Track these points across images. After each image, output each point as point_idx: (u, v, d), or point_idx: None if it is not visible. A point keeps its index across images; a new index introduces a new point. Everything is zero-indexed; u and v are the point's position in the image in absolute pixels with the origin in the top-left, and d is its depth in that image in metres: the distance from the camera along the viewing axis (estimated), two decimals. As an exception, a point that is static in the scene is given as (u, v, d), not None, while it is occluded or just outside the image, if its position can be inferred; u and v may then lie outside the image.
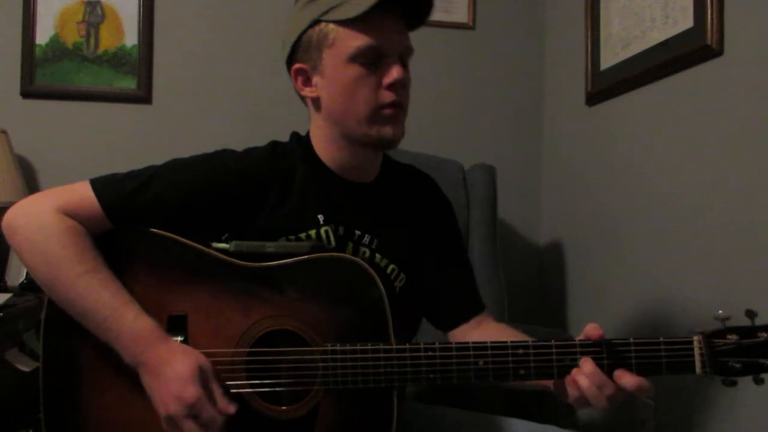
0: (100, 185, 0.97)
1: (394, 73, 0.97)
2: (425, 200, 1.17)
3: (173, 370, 0.87)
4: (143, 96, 2.14)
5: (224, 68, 2.19)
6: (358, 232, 1.06)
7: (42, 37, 2.09)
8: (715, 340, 0.81)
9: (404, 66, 1.00)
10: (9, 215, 0.94)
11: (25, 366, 1.17)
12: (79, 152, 2.08)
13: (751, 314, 0.81)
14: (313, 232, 1.03)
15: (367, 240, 1.07)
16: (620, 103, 1.84)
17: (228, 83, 2.18)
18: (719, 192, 1.42)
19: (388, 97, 0.98)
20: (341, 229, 1.05)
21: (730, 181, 1.39)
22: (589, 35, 1.98)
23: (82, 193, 0.96)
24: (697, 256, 1.49)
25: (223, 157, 1.03)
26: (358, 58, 0.96)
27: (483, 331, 1.11)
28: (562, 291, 2.16)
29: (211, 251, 0.97)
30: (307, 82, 1.03)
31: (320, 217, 1.03)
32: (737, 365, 0.80)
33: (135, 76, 2.13)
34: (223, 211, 1.00)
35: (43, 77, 2.09)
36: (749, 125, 1.34)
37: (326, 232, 1.03)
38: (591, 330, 0.87)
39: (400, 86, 0.98)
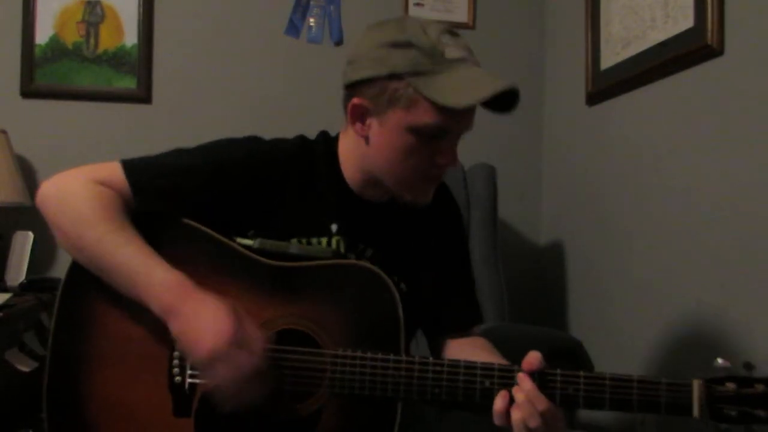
0: (129, 163, 1.00)
1: (450, 156, 0.97)
2: (435, 212, 1.14)
3: (210, 309, 0.88)
4: (143, 96, 2.13)
5: (224, 68, 2.18)
6: (361, 245, 1.07)
7: (42, 37, 2.09)
8: (714, 386, 0.83)
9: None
10: (43, 187, 0.98)
11: (25, 366, 1.17)
12: (78, 152, 2.06)
13: (748, 366, 0.83)
14: (324, 240, 1.03)
15: (369, 254, 1.07)
16: (620, 103, 1.84)
17: (228, 83, 2.18)
18: (719, 191, 1.42)
19: (435, 173, 1.00)
20: (347, 241, 1.05)
21: (730, 181, 1.39)
22: (589, 35, 1.98)
23: (111, 168, 1.00)
24: (697, 255, 1.48)
25: (250, 143, 1.06)
26: (421, 130, 0.94)
27: (478, 350, 1.08)
28: (562, 291, 2.16)
29: (235, 245, 0.98)
30: (361, 118, 0.99)
31: (333, 227, 1.04)
32: (733, 413, 0.82)
33: (135, 76, 2.13)
34: (242, 197, 1.01)
35: (43, 77, 2.09)
36: (749, 125, 1.34)
37: (338, 242, 1.04)
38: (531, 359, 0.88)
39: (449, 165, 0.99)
